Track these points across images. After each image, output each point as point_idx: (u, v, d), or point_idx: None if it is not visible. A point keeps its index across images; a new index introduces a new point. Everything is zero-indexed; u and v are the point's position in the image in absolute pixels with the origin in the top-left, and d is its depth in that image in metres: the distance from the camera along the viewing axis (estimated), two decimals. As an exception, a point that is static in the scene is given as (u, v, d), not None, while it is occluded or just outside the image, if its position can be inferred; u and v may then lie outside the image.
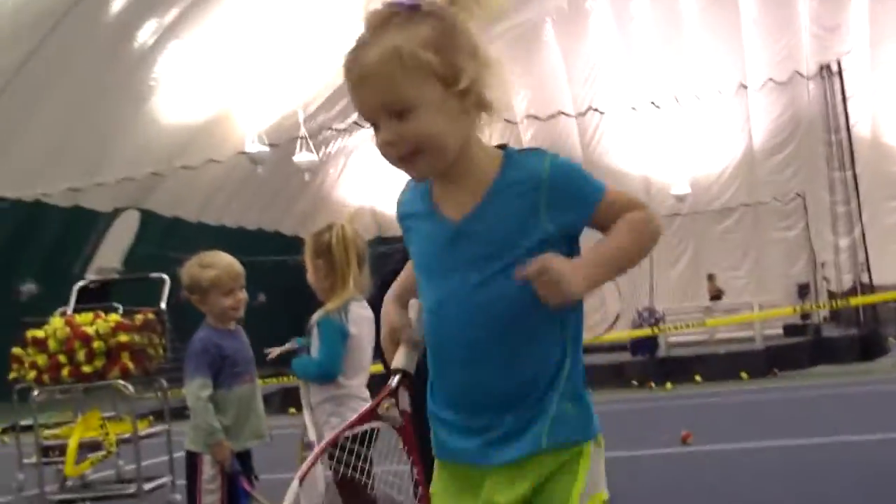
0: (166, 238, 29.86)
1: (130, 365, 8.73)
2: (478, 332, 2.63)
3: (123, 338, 8.67)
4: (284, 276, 20.42)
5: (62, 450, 9.07)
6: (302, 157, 30.94)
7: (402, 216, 2.84)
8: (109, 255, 29.65)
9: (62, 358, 8.62)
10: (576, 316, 2.73)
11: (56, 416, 10.39)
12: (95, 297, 11.25)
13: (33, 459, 9.67)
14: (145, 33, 26.08)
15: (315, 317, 5.89)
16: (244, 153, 28.87)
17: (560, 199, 2.62)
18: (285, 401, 20.49)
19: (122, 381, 8.74)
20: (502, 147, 2.72)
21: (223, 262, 6.29)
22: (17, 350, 9.96)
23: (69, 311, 10.21)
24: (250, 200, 34.91)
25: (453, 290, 2.66)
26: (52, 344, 8.73)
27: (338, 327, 5.77)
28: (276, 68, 28.94)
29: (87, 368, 8.60)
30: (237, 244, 32.51)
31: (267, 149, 28.90)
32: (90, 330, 8.61)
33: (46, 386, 8.75)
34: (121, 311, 9.80)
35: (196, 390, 5.98)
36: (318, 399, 5.86)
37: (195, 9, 25.96)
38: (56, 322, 9.05)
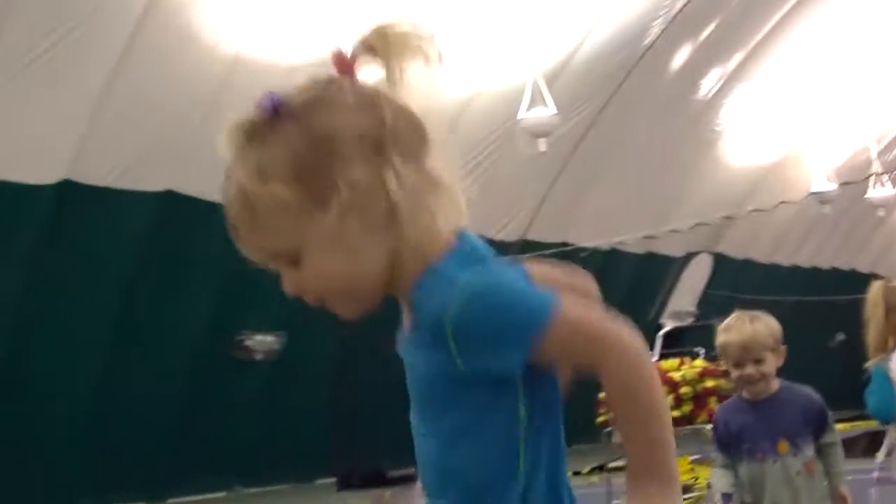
0: (738, 280, 30.10)
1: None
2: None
3: (710, 383, 9.00)
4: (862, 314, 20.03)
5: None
6: (875, 192, 30.15)
7: None
8: (683, 300, 30.24)
9: (651, 402, 9.09)
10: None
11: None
12: (672, 342, 11.66)
13: (622, 501, 10.20)
14: (709, 81, 26.66)
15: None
16: (814, 193, 28.56)
17: (474, 349, 1.98)
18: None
19: (708, 426, 9.06)
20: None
21: (741, 329, 5.62)
22: (603, 395, 10.59)
23: (654, 357, 10.68)
24: (822, 239, 34.39)
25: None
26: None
27: None
28: (845, 103, 28.50)
29: (675, 413, 8.97)
30: (810, 284, 32.28)
31: (836, 187, 28.43)
32: (677, 376, 9.04)
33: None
34: (702, 354, 10.13)
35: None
36: None
37: (758, 52, 26.17)
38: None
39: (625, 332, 2.00)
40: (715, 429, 5.73)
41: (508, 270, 2.03)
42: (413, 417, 2.19)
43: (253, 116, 1.98)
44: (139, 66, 18.05)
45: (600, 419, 10.63)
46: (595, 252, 25.12)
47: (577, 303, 2.05)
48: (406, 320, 2.06)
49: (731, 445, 5.61)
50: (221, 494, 21.79)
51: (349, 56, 2.03)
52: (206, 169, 19.93)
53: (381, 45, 2.03)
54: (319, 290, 1.97)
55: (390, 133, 1.95)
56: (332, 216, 1.91)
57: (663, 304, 31.30)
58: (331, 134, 1.91)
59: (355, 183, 1.91)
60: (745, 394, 5.68)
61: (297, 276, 1.95)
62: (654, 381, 2.02)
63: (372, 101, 1.97)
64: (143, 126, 18.65)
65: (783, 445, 5.43)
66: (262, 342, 22.36)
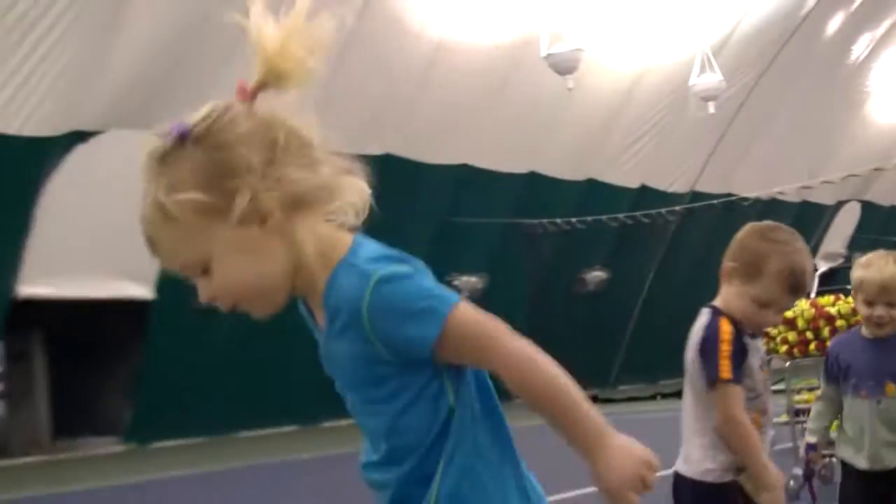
0: (886, 225, 29.45)
1: (867, 340, 8.80)
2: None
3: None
4: None
5: (808, 412, 9.27)
6: None
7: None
8: (834, 243, 29.74)
9: (809, 335, 8.87)
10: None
11: (801, 381, 10.62)
12: (827, 281, 11.38)
13: (783, 419, 10.00)
14: (860, 46, 26.01)
15: None
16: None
17: (387, 331, 1.89)
18: None
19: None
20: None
21: (882, 268, 4.67)
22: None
23: (812, 294, 10.47)
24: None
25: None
26: (800, 323, 9.02)
27: None
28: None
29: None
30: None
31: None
32: (832, 310, 8.81)
33: (796, 358, 9.02)
34: (853, 292, 9.89)
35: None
36: None
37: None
38: (802, 304, 9.34)
39: (512, 338, 1.91)
40: (826, 360, 4.93)
41: (418, 266, 1.95)
42: (351, 403, 2.01)
43: (164, 143, 1.94)
44: (359, 52, 18.33)
45: (763, 347, 10.43)
46: (756, 201, 24.75)
47: (477, 309, 1.95)
48: (319, 318, 1.96)
49: (839, 379, 4.81)
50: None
51: (248, 88, 1.96)
52: (417, 135, 20.27)
53: (273, 78, 1.99)
54: (230, 294, 1.91)
55: (281, 149, 1.91)
56: (234, 224, 1.86)
57: (817, 248, 30.75)
58: (227, 152, 1.87)
59: (253, 194, 1.86)
60: (864, 331, 4.78)
61: (208, 283, 1.90)
62: (545, 371, 1.89)
63: (266, 123, 1.94)
64: (364, 101, 18.96)
65: (890, 388, 4.69)
66: (468, 282, 22.57)
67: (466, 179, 21.34)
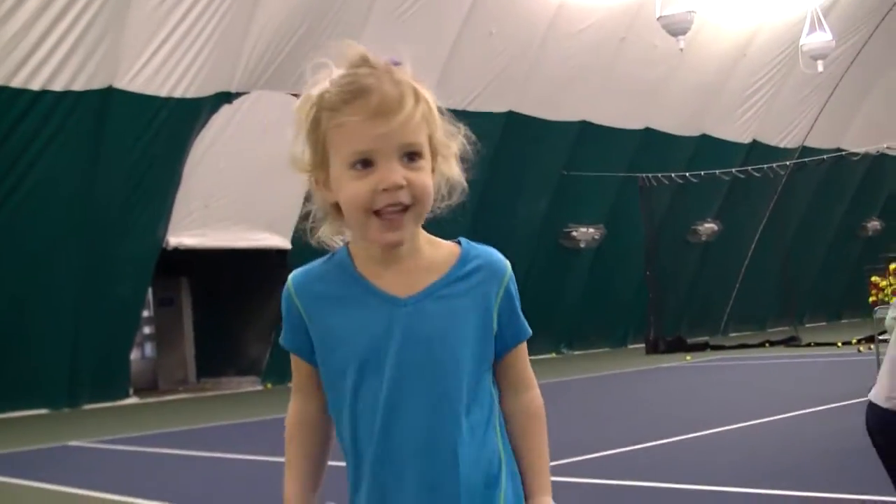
0: None
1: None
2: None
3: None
4: None
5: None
6: None
7: (310, 300, 1.90)
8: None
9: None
10: None
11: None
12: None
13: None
14: (973, 3, 24.90)
15: None
16: None
17: (506, 312, 1.91)
18: None
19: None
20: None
21: None
22: (875, 278, 10.14)
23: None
24: None
25: (407, 384, 1.84)
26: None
27: None
28: None
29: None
30: None
31: None
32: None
33: (905, 307, 8.77)
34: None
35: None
36: None
37: None
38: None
39: None
40: None
41: None
42: (390, 391, 1.83)
43: (394, 62, 1.86)
44: (485, 13, 18.25)
45: (871, 298, 10.16)
46: (864, 156, 24.09)
47: None
48: (413, 276, 1.86)
49: None
50: (551, 355, 22.16)
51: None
52: (540, 94, 20.16)
53: None
54: (419, 192, 1.80)
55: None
56: (455, 150, 1.89)
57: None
58: (432, 99, 1.87)
59: (459, 141, 1.90)
60: None
61: (409, 173, 1.78)
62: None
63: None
64: (489, 61, 18.91)
65: None
66: (586, 233, 22.44)
67: (585, 135, 21.17)
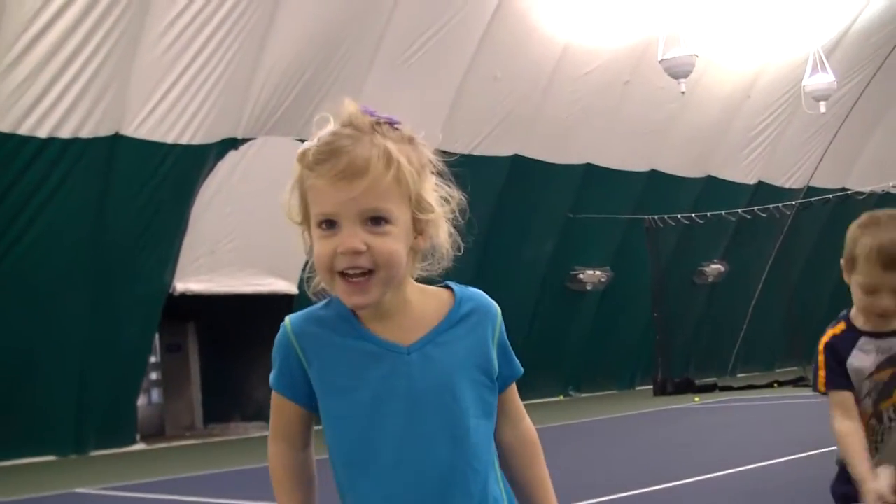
0: None
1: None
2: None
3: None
4: None
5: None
6: None
7: (311, 344, 1.93)
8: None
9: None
10: None
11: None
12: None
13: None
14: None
15: None
16: None
17: (501, 352, 1.97)
18: None
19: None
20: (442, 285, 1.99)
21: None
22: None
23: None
24: None
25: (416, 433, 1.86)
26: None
27: None
28: None
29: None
30: None
31: None
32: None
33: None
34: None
35: None
36: None
37: None
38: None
39: None
40: None
41: None
42: (401, 436, 1.85)
43: (380, 119, 1.87)
44: (490, 57, 18.36)
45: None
46: (870, 195, 24.09)
47: None
48: (409, 327, 1.89)
49: None
50: (559, 398, 22.08)
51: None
52: (545, 137, 20.23)
53: None
54: (382, 258, 1.81)
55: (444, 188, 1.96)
56: (412, 219, 1.87)
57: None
58: (428, 165, 1.90)
59: (432, 207, 1.89)
60: None
61: (371, 238, 1.80)
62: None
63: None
64: (495, 105, 19.00)
65: None
66: (592, 276, 22.42)
67: (590, 177, 21.22)
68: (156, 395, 21.19)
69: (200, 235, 16.85)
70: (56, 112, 14.46)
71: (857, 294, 3.20)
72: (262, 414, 19.15)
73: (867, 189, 23.22)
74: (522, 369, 2.01)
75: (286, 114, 16.65)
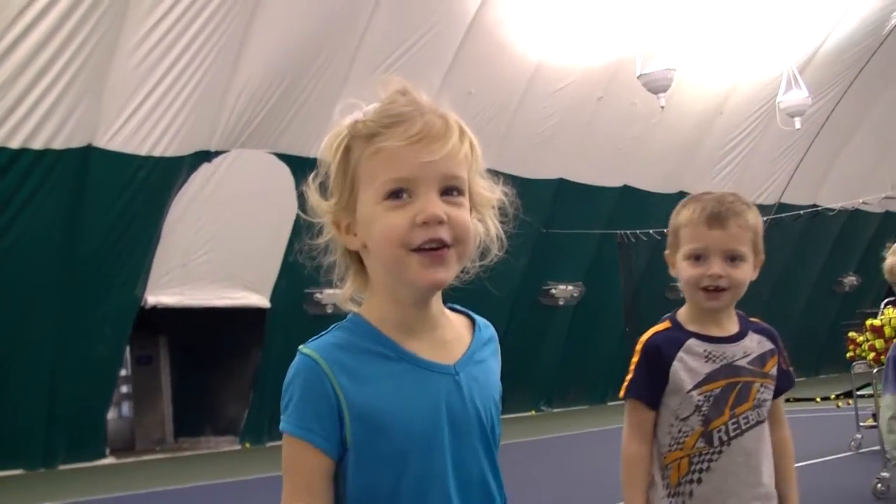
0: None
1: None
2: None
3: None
4: None
5: (896, 415, 9.04)
6: None
7: (346, 376, 1.63)
8: (920, 252, 29.15)
9: (897, 341, 8.66)
10: None
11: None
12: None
13: (869, 422, 9.76)
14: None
15: None
16: None
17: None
18: None
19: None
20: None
21: None
22: (853, 334, 10.18)
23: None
24: None
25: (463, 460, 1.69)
26: (887, 331, 8.81)
27: None
28: None
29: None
30: None
31: None
32: (902, 324, 8.57)
33: (883, 365, 8.75)
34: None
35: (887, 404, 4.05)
36: None
37: None
38: (889, 313, 9.11)
39: None
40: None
41: None
42: (454, 466, 1.67)
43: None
44: (464, 72, 18.40)
45: (849, 354, 10.19)
46: (840, 212, 24.33)
47: None
48: (446, 343, 1.71)
49: None
50: (531, 413, 22.09)
51: None
52: (518, 152, 20.24)
53: None
54: (460, 231, 1.64)
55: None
56: (495, 202, 1.77)
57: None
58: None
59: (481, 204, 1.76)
60: None
61: (449, 209, 1.62)
62: None
63: None
64: (468, 121, 18.89)
65: None
66: (565, 291, 22.47)
67: (563, 193, 21.28)
68: (126, 408, 21.03)
69: (173, 248, 16.77)
70: (29, 123, 14.38)
71: (685, 271, 2.82)
72: (232, 428, 19.05)
73: (837, 205, 23.40)
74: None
75: (260, 126, 16.61)
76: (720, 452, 2.59)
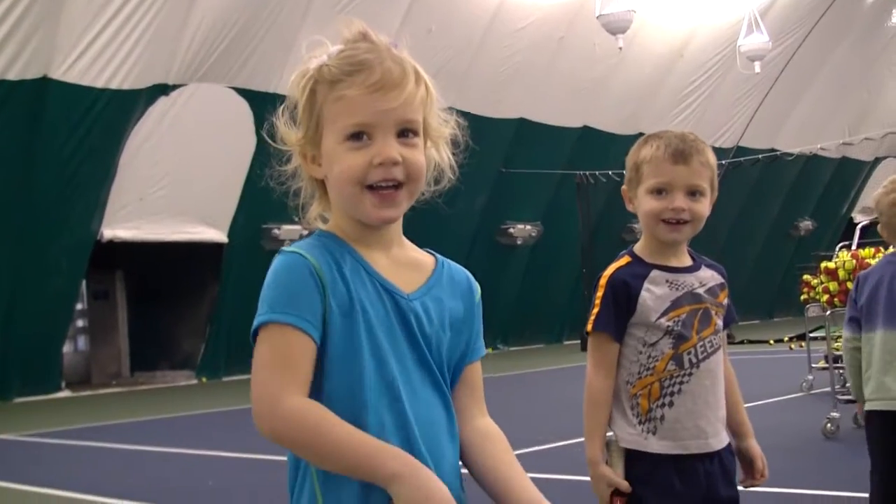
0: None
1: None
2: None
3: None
4: None
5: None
6: None
7: (329, 271, 1.76)
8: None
9: (849, 285, 8.73)
10: None
11: (840, 329, 10.50)
12: (867, 234, 11.16)
13: (821, 364, 9.91)
14: (898, 15, 25.76)
15: None
16: None
17: (476, 329, 1.92)
18: None
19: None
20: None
21: None
22: (807, 277, 10.30)
23: (853, 246, 10.28)
24: None
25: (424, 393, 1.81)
26: (841, 273, 8.91)
27: None
28: None
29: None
30: None
31: None
32: (872, 262, 8.64)
33: (836, 308, 8.87)
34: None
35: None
36: None
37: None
38: (843, 255, 9.20)
39: None
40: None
41: None
42: (406, 381, 1.77)
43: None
44: (424, 10, 18.25)
45: (803, 297, 10.32)
46: (798, 157, 24.50)
47: None
48: (406, 270, 1.84)
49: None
50: (488, 351, 22.26)
51: None
52: (479, 91, 20.17)
53: None
54: (413, 170, 1.77)
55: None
56: (447, 135, 1.89)
57: (855, 202, 30.41)
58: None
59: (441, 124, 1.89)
60: None
61: (404, 150, 1.76)
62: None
63: None
64: (428, 59, 18.89)
65: None
66: (523, 230, 22.53)
67: (523, 132, 21.25)
68: (82, 342, 20.95)
69: (130, 182, 16.61)
70: (-19, 53, 14.12)
71: (646, 204, 2.83)
72: (189, 363, 19.04)
73: (795, 150, 23.56)
74: (484, 351, 1.94)
75: (218, 61, 16.40)
76: (690, 374, 2.68)
